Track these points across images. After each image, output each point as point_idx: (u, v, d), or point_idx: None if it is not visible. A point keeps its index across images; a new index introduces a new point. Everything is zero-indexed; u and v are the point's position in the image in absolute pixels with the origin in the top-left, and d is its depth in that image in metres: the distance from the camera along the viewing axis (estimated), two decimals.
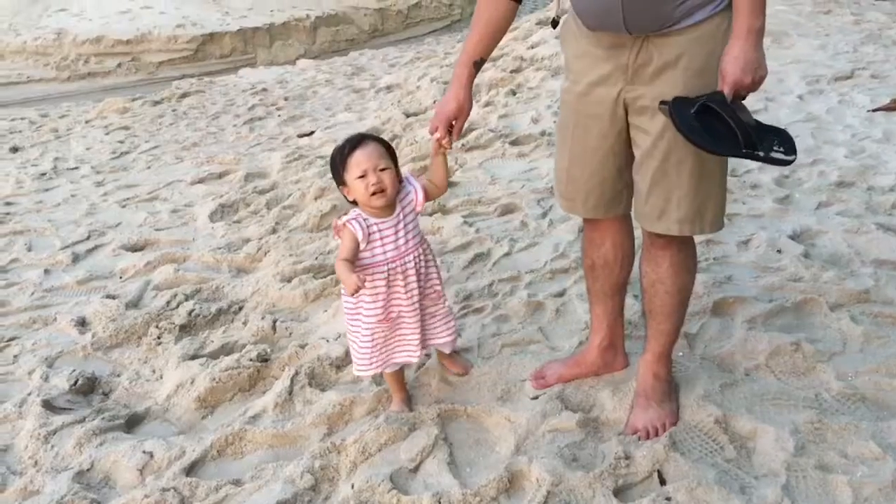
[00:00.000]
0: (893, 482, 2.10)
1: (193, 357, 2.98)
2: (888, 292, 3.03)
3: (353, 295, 2.19)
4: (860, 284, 3.07)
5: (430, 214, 4.15)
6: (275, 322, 3.18)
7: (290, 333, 3.12)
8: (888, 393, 2.48)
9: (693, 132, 1.87)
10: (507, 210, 4.18)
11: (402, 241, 2.30)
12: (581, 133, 2.21)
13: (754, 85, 1.91)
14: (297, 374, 2.75)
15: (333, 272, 3.59)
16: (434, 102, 6.60)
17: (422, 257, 2.36)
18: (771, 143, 1.88)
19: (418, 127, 5.96)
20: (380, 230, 2.26)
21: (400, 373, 2.52)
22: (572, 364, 2.60)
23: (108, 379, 2.95)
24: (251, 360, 2.87)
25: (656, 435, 2.30)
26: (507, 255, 3.62)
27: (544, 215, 4.03)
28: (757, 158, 1.88)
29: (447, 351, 2.58)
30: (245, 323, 3.23)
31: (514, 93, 6.43)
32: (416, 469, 2.30)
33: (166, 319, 3.27)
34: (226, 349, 3.04)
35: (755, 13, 1.90)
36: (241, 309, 3.38)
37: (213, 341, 3.11)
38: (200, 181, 5.39)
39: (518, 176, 4.64)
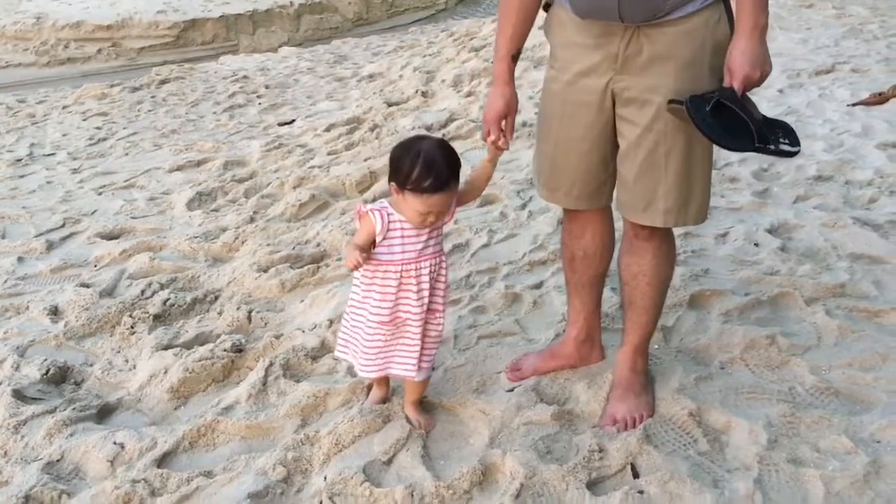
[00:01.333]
0: (865, 476, 2.11)
1: (167, 347, 2.95)
2: (864, 287, 3.04)
3: (351, 270, 2.16)
4: (836, 278, 3.09)
5: None
6: (250, 312, 3.15)
7: (266, 324, 3.10)
8: (862, 387, 2.49)
9: (712, 130, 1.90)
10: (487, 201, 4.16)
11: (422, 246, 2.18)
12: (567, 123, 2.19)
13: (761, 80, 1.95)
14: (271, 364, 2.73)
15: (311, 262, 3.57)
16: (416, 92, 6.58)
17: (437, 267, 2.24)
18: (778, 136, 1.93)
19: (400, 116, 5.94)
20: (402, 227, 2.15)
21: (382, 380, 2.43)
22: (548, 357, 2.59)
23: (81, 368, 2.92)
24: (225, 350, 2.85)
25: (633, 426, 2.31)
26: (485, 246, 3.61)
27: (524, 206, 4.02)
28: (767, 152, 1.92)
29: (417, 379, 2.33)
30: (220, 313, 3.20)
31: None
32: (389, 461, 2.28)
33: (140, 309, 3.24)
34: (200, 339, 3.01)
35: (760, 10, 1.93)
36: (216, 298, 3.35)
37: (187, 331, 3.08)
38: (178, 169, 5.33)
39: (498, 167, 4.59)
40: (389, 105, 6.33)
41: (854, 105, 5.33)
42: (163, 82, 8.98)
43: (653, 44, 2.02)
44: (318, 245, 3.73)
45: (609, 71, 2.08)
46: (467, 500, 2.12)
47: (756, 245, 3.43)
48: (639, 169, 2.12)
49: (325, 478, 2.18)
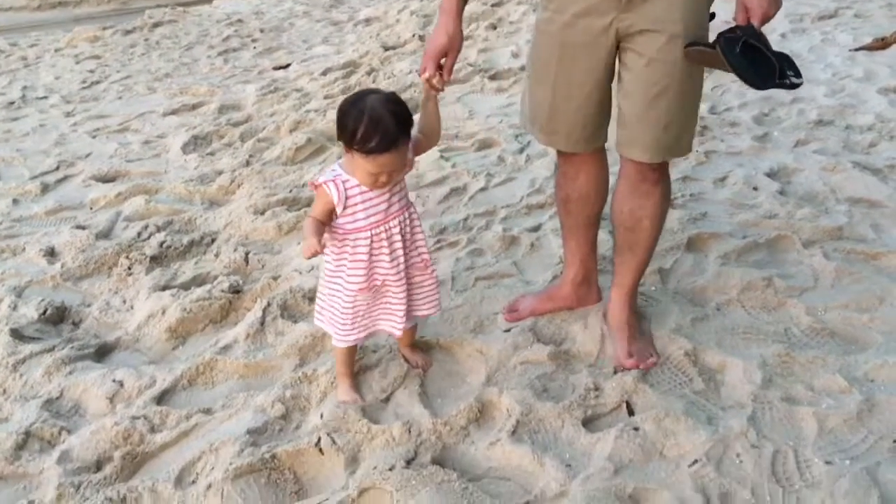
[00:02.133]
0: (858, 414, 2.13)
1: (164, 288, 2.95)
2: (861, 230, 3.04)
3: (308, 258, 2.04)
4: (834, 221, 3.08)
5: None
6: (247, 254, 3.14)
7: (263, 266, 3.09)
8: (857, 328, 2.50)
9: (746, 70, 1.91)
10: (485, 145, 4.13)
11: (385, 206, 2.07)
12: (567, 66, 2.12)
13: (775, 15, 1.98)
14: (269, 305, 2.73)
15: (307, 205, 3.55)
16: (413, 36, 6.49)
17: (407, 221, 2.14)
18: (785, 69, 1.95)
19: (396, 60, 5.86)
20: (361, 192, 2.03)
21: (353, 351, 2.29)
22: (545, 298, 2.59)
23: (78, 309, 2.92)
24: (223, 291, 2.85)
25: (654, 362, 2.32)
26: (483, 189, 3.59)
27: (521, 151, 3.99)
28: (783, 86, 1.94)
29: (429, 315, 2.32)
30: (217, 255, 3.20)
31: (494, 27, 6.32)
32: (387, 399, 2.30)
33: (137, 250, 3.23)
34: (197, 280, 3.01)
35: None
36: (213, 241, 3.34)
37: (184, 272, 3.07)
38: (173, 112, 5.28)
39: (496, 111, 4.58)
40: (386, 49, 6.24)
41: (856, 50, 5.26)
42: (156, 25, 8.84)
43: None
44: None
45: (612, 10, 2.02)
46: (464, 436, 2.15)
47: (755, 189, 3.41)
48: (644, 101, 2.08)
49: (322, 415, 2.20)
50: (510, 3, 6.86)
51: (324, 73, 5.76)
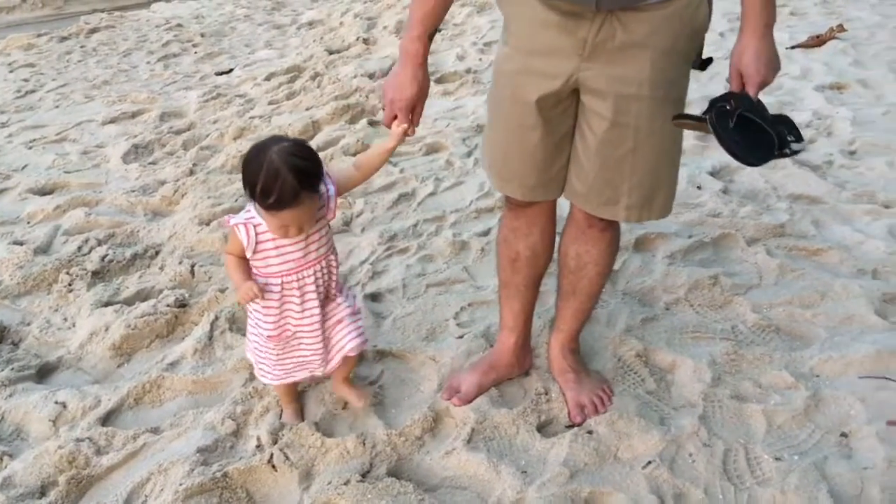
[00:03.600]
0: (805, 409, 2.17)
1: (107, 304, 2.87)
2: (802, 226, 3.10)
3: (244, 304, 1.95)
4: (776, 219, 3.14)
5: (354, 154, 4.07)
6: (193, 266, 3.08)
7: (210, 277, 3.03)
8: (801, 323, 2.55)
9: (739, 147, 1.72)
10: (433, 149, 4.12)
11: (301, 255, 1.95)
12: (521, 110, 1.91)
13: (773, 81, 1.81)
14: (216, 318, 2.68)
15: None
16: (357, 39, 6.44)
17: (325, 271, 2.01)
18: (785, 136, 1.77)
19: (341, 64, 5.82)
20: (274, 239, 1.91)
21: (292, 384, 2.21)
22: (487, 369, 2.33)
23: (18, 328, 2.82)
24: (168, 305, 2.78)
25: (603, 405, 2.21)
26: (432, 194, 3.58)
27: (469, 154, 3.99)
28: (783, 157, 1.78)
29: (353, 353, 2.11)
30: (162, 268, 3.12)
31: (438, 30, 6.30)
32: (340, 411, 2.27)
33: (78, 265, 3.13)
34: (142, 295, 2.94)
35: (770, 8, 1.76)
36: (157, 253, 3.27)
37: (128, 287, 3.00)
38: (112, 121, 5.14)
39: (443, 114, 4.58)
40: (330, 53, 6.19)
41: (793, 48, 5.39)
42: (92, 31, 8.61)
43: (627, 30, 1.76)
44: None
45: (575, 57, 1.80)
46: (419, 446, 2.13)
47: (699, 188, 3.47)
48: (604, 165, 1.91)
49: (274, 430, 2.16)
50: (455, 6, 6.85)
51: (267, 79, 5.68)
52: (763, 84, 1.78)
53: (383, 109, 2.05)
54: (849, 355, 2.34)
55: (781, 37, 5.62)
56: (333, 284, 2.06)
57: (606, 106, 1.83)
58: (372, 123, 4.39)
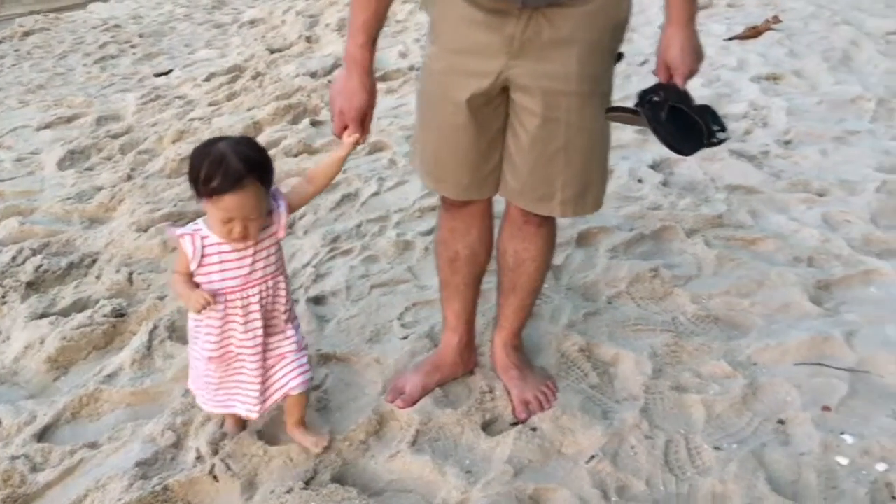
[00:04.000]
0: (743, 398, 2.21)
1: (42, 316, 2.80)
2: (740, 216, 3.16)
3: (200, 311, 1.85)
4: (714, 210, 3.19)
5: (296, 155, 4.03)
6: (131, 274, 3.02)
7: (149, 285, 2.97)
8: (739, 313, 2.60)
9: (674, 138, 1.79)
10: (376, 148, 4.10)
11: (247, 272, 1.88)
12: (451, 109, 1.90)
13: (699, 70, 1.87)
14: (155, 327, 2.63)
15: (194, 219, 3.43)
16: (299, 37, 6.38)
17: (271, 291, 1.94)
18: (711, 125, 1.82)
19: (283, 63, 5.76)
20: (220, 253, 1.85)
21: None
22: (431, 370, 2.31)
23: None
24: (106, 315, 2.72)
25: (548, 401, 2.21)
26: (375, 194, 3.56)
27: None
28: (711, 146, 1.83)
29: (297, 392, 2.03)
30: (99, 277, 3.05)
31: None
32: (283, 419, 2.24)
33: (11, 277, 3.05)
34: (78, 306, 2.87)
35: (693, 1, 1.82)
36: (94, 262, 3.19)
37: (63, 298, 2.92)
38: (47, 126, 5.01)
39: (386, 113, 4.55)
40: (272, 52, 6.12)
41: (730, 39, 5.48)
42: (27, 34, 8.40)
43: (554, 27, 1.77)
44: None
45: (503, 55, 1.81)
46: (364, 450, 2.12)
47: (640, 181, 3.51)
48: (536, 161, 1.92)
49: (217, 440, 2.13)
50: (396, 2, 6.82)
51: (207, 79, 5.60)
52: (690, 75, 1.84)
53: (332, 121, 2.00)
54: (785, 343, 2.39)
55: (719, 28, 5.73)
56: (282, 310, 1.98)
57: (536, 102, 1.85)
58: (314, 123, 4.35)
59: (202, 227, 1.87)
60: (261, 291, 1.92)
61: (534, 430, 2.13)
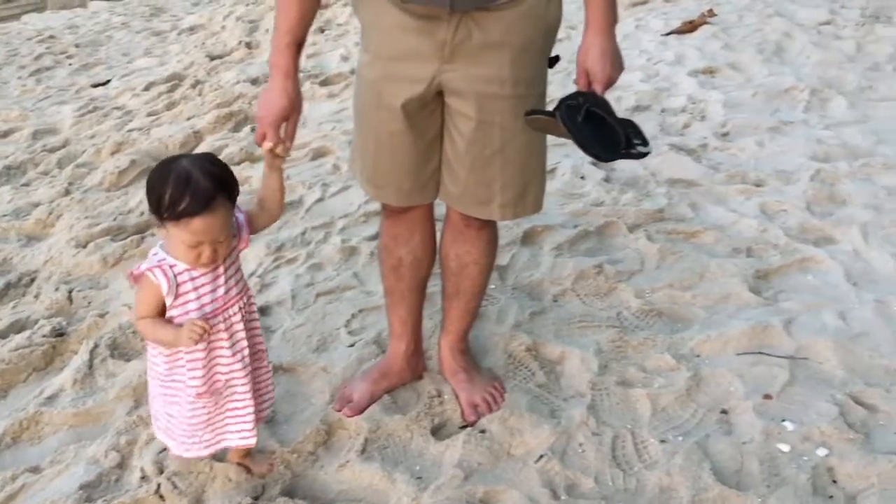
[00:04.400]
0: (687, 390, 2.25)
1: None
2: (680, 209, 3.21)
3: (198, 342, 1.71)
4: (655, 204, 3.24)
5: (238, 164, 3.98)
6: (70, 292, 2.95)
7: (89, 303, 2.91)
8: (682, 305, 2.64)
9: (588, 141, 1.74)
10: (319, 154, 4.07)
11: (222, 291, 1.79)
12: (387, 116, 1.89)
13: (618, 79, 1.84)
14: (96, 346, 2.58)
15: (135, 233, 3.39)
16: (239, 43, 6.31)
17: (246, 307, 1.86)
18: (632, 137, 1.79)
19: (223, 70, 5.69)
20: (193, 279, 1.74)
21: None
22: (379, 377, 2.30)
23: None
24: (45, 335, 2.66)
25: (496, 403, 2.21)
26: (319, 200, 3.54)
27: None
28: (630, 157, 1.79)
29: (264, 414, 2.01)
30: (37, 296, 2.98)
31: (322, 30, 6.25)
32: None
33: None
34: (16, 327, 2.80)
35: (613, 8, 1.81)
36: (32, 281, 3.12)
37: (1, 319, 2.85)
38: None
39: (329, 118, 4.53)
40: (212, 59, 6.05)
41: (667, 34, 5.56)
42: None
43: (484, 30, 1.77)
44: (142, 214, 3.53)
45: (435, 60, 1.81)
46: (313, 461, 2.10)
47: (582, 178, 3.54)
48: (473, 165, 1.92)
49: (162, 458, 2.09)
50: (337, 5, 6.80)
51: (146, 88, 5.50)
52: (609, 83, 1.82)
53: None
54: (726, 333, 2.43)
55: (657, 24, 5.81)
56: (256, 322, 1.91)
57: (470, 106, 1.85)
58: (255, 130, 4.29)
59: (164, 255, 1.73)
60: (240, 308, 1.84)
61: (483, 432, 2.14)
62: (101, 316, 2.76)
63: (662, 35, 5.53)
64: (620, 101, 4.38)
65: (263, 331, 2.57)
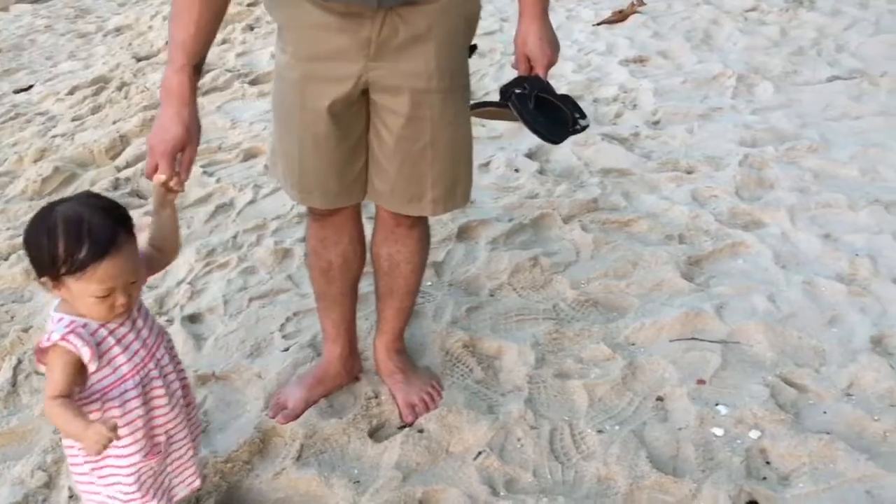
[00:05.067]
0: (623, 379, 2.26)
1: None
2: (613, 199, 3.23)
3: (99, 453, 1.44)
4: (589, 194, 3.25)
5: None
6: None
7: (12, 317, 2.81)
8: (616, 294, 2.66)
9: (543, 127, 1.82)
10: (250, 154, 3.99)
11: (146, 334, 1.60)
12: (312, 118, 1.83)
13: (557, 59, 1.91)
14: (20, 362, 2.49)
15: None
16: (166, 44, 6.15)
17: (168, 344, 1.69)
18: (574, 113, 1.87)
19: (150, 71, 5.54)
20: (112, 332, 1.53)
21: None
22: (314, 383, 2.25)
23: None
24: None
25: (434, 402, 2.19)
26: (251, 202, 3.47)
27: None
28: (576, 132, 1.87)
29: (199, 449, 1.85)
30: None
31: (251, 28, 6.14)
32: None
33: None
34: None
35: None
36: None
37: None
38: None
39: (260, 117, 4.44)
40: (139, 60, 5.88)
41: (598, 24, 5.60)
42: None
43: (408, 25, 1.74)
44: None
45: (361, 58, 1.76)
46: (248, 470, 2.06)
47: (517, 171, 3.54)
48: (404, 161, 1.88)
49: None
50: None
51: (71, 93, 5.33)
52: (550, 65, 1.88)
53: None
54: (660, 321, 2.46)
55: (588, 14, 5.84)
56: (181, 366, 1.73)
57: (400, 102, 1.82)
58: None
59: (70, 316, 1.50)
60: (167, 347, 1.66)
61: (421, 431, 2.12)
62: (25, 331, 2.67)
63: (593, 25, 5.56)
64: None
65: (195, 339, 2.55)
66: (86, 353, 1.46)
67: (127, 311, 1.53)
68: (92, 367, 1.49)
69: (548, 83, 1.88)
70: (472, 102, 1.97)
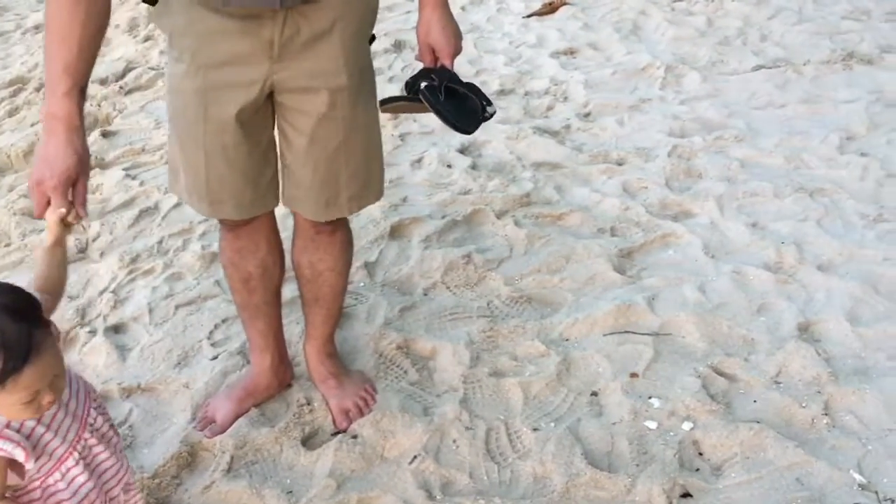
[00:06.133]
0: (558, 375, 2.26)
1: None
2: (546, 193, 3.23)
3: None
4: (521, 189, 3.24)
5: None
6: None
7: None
8: (550, 290, 2.65)
9: (455, 117, 1.78)
10: None
11: (74, 405, 1.47)
12: (217, 128, 1.75)
13: (462, 48, 1.89)
14: None
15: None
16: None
17: (95, 403, 1.54)
18: (483, 102, 1.85)
19: None
20: (40, 421, 1.40)
21: None
22: (243, 395, 2.19)
23: None
24: None
25: (367, 406, 2.16)
26: (177, 206, 3.35)
27: None
28: (485, 120, 1.85)
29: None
30: None
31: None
32: None
33: None
34: None
35: None
36: None
37: None
38: None
39: None
40: None
41: (528, 17, 5.60)
42: None
43: (311, 22, 1.69)
44: None
45: (265, 61, 1.69)
46: (176, 486, 1.99)
47: (449, 166, 3.51)
48: (318, 162, 1.83)
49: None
50: None
51: None
52: (456, 53, 1.87)
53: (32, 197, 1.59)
54: (593, 315, 2.46)
55: (518, 6, 5.84)
56: (108, 416, 1.59)
57: (309, 102, 1.77)
58: (105, 135, 4.06)
59: None
60: (97, 409, 1.54)
61: (355, 437, 2.08)
62: None
63: (524, 17, 5.56)
64: (485, 85, 4.37)
65: (118, 350, 2.47)
66: (20, 455, 1.36)
67: (57, 401, 1.39)
68: (29, 466, 1.38)
69: (454, 73, 1.86)
70: (381, 98, 1.94)
